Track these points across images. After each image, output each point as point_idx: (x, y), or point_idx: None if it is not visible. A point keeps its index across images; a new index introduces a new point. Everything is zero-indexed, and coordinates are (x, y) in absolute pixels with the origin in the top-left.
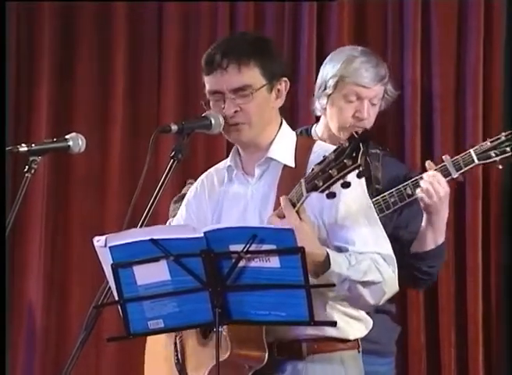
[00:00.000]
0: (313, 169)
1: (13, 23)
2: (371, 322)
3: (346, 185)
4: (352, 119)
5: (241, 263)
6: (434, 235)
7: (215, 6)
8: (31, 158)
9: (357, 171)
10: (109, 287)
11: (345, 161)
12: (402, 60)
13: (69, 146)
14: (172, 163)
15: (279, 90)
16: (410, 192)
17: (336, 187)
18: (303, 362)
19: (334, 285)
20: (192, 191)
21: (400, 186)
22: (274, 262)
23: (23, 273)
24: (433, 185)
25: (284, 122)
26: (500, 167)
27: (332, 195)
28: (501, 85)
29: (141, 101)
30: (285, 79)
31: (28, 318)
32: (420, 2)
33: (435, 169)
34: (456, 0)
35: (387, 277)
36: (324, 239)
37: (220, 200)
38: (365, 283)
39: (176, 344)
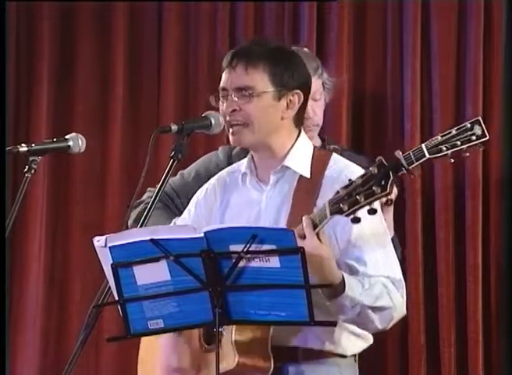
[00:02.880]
0: (338, 192)
1: (13, 23)
2: (371, 338)
3: (373, 212)
4: None
5: (241, 263)
6: None
7: (215, 6)
8: (31, 158)
9: (384, 199)
10: (109, 287)
11: (373, 188)
12: (402, 60)
13: (69, 146)
14: (172, 163)
15: (291, 100)
16: None
17: (361, 212)
18: (298, 366)
19: (332, 285)
20: (202, 191)
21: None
22: (274, 262)
23: (23, 273)
24: None
25: (303, 133)
26: (452, 161)
27: (357, 220)
28: (501, 85)
29: (141, 101)
30: (298, 91)
31: (28, 318)
32: (420, 2)
33: None
34: (456, 0)
35: (397, 303)
36: (336, 256)
37: (232, 205)
38: (376, 309)
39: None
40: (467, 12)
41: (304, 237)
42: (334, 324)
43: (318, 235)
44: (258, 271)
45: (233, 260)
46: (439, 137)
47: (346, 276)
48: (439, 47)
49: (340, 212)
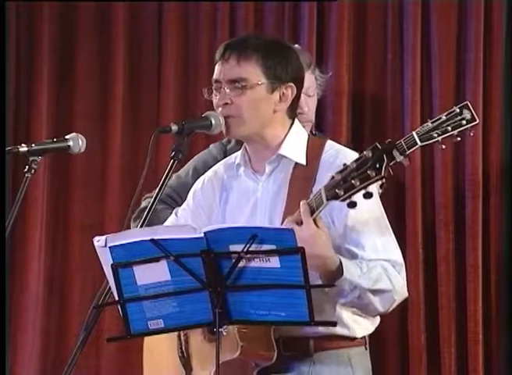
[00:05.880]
0: (333, 177)
1: (13, 23)
2: (378, 319)
3: (369, 195)
4: None
5: (241, 263)
6: None
7: (215, 6)
8: (31, 158)
9: (380, 182)
10: (109, 287)
11: (368, 172)
12: (402, 60)
13: (69, 146)
14: (173, 163)
15: (283, 93)
16: None
17: (357, 197)
18: (309, 362)
19: (334, 285)
20: (199, 182)
21: None
22: (274, 262)
23: (23, 273)
24: None
25: (297, 122)
26: (443, 147)
27: (353, 205)
28: (501, 85)
29: (141, 101)
30: (291, 84)
31: (28, 318)
32: (420, 2)
33: None
34: (456, 0)
35: (397, 285)
36: (335, 241)
37: (229, 196)
38: (375, 292)
39: (179, 336)
40: (467, 12)
41: (300, 223)
42: (334, 324)
43: (315, 221)
44: (258, 271)
45: (233, 260)
46: (430, 124)
47: (343, 260)
48: (439, 47)
49: (336, 197)
